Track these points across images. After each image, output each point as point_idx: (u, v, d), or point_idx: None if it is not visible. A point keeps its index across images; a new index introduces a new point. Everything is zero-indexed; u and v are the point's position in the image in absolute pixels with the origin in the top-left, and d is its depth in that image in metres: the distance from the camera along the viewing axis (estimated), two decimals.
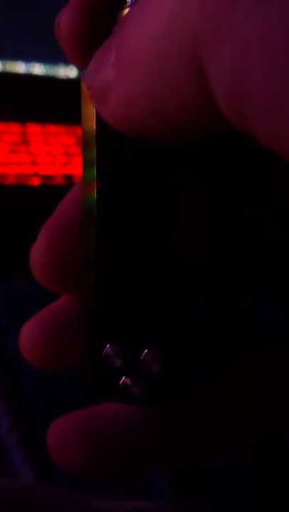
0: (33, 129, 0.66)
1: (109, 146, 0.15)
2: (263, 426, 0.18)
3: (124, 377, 0.16)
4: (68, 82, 0.71)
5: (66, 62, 0.73)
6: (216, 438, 0.18)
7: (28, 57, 0.69)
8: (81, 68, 0.15)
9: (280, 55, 0.09)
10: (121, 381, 0.16)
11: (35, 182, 0.59)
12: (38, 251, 0.17)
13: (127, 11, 0.14)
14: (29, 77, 0.69)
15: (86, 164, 0.16)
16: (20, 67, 0.69)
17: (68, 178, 0.61)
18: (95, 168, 0.15)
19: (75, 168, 0.62)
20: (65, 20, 0.15)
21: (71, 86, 0.70)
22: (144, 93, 0.12)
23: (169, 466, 0.21)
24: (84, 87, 0.15)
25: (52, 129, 0.66)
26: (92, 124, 0.15)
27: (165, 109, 0.12)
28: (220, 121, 0.11)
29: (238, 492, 0.30)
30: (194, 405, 0.17)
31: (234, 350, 0.18)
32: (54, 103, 0.67)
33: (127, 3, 0.14)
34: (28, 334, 0.17)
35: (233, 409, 0.17)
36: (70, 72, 0.71)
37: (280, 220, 0.17)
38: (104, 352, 0.16)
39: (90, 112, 0.15)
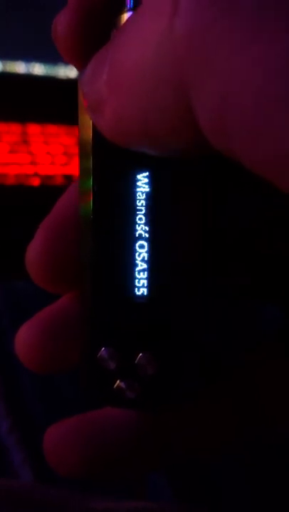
0: (33, 129, 0.66)
1: (105, 155, 0.15)
2: (261, 426, 0.18)
3: (118, 381, 0.16)
4: (68, 82, 0.70)
5: (66, 62, 0.73)
6: (214, 439, 0.18)
7: (28, 57, 0.69)
8: (78, 70, 0.15)
9: (261, 95, 0.09)
10: (116, 384, 0.16)
11: (35, 182, 0.59)
12: (34, 251, 0.17)
13: (125, 15, 0.14)
14: (29, 77, 0.69)
15: (83, 173, 0.16)
16: (20, 67, 0.69)
17: (68, 178, 0.61)
18: (92, 176, 0.15)
19: (75, 168, 0.62)
20: (62, 23, 0.15)
21: (71, 86, 0.69)
22: (134, 113, 0.12)
23: (168, 466, 0.21)
24: (81, 95, 0.15)
25: (52, 129, 0.66)
26: (88, 132, 0.15)
27: (154, 130, 0.12)
28: (206, 145, 0.11)
29: (238, 492, 0.30)
30: (191, 407, 0.17)
31: (233, 350, 0.18)
32: (54, 103, 0.67)
33: (126, 8, 0.14)
34: (24, 338, 0.17)
35: (231, 410, 0.17)
36: (70, 72, 0.71)
37: (277, 227, 0.17)
38: (99, 355, 0.16)
39: (86, 120, 0.15)
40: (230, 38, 0.10)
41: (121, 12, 0.14)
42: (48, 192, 0.58)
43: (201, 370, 0.16)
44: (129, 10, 0.14)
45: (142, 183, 0.15)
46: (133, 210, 0.15)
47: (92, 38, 0.15)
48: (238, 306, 0.19)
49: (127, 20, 0.13)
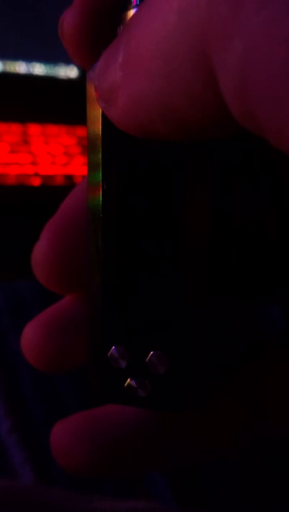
0: (34, 129, 0.66)
1: (115, 149, 0.15)
2: (269, 429, 0.18)
3: (129, 379, 0.16)
4: (69, 82, 0.70)
5: (67, 62, 0.73)
6: (222, 441, 0.17)
7: (29, 57, 0.69)
8: (85, 69, 0.15)
9: (285, 50, 0.09)
10: (126, 383, 0.16)
11: (36, 182, 0.59)
12: (40, 252, 0.17)
13: (132, 11, 0.14)
14: (30, 77, 0.69)
15: (91, 167, 0.16)
16: (20, 67, 0.69)
17: (69, 178, 0.61)
18: (101, 170, 0.15)
19: (76, 169, 0.62)
20: (68, 21, 0.15)
21: (72, 86, 0.70)
22: (152, 94, 0.12)
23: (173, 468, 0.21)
24: (89, 88, 0.15)
25: (52, 129, 0.66)
26: (97, 126, 0.15)
27: (174, 110, 0.11)
28: (229, 121, 0.11)
29: (237, 494, 0.30)
30: (200, 407, 0.17)
31: (235, 349, 0.18)
32: (55, 103, 0.67)
33: (132, 4, 0.14)
34: (30, 336, 0.17)
35: (240, 412, 0.17)
36: (70, 72, 0.71)
37: (283, 221, 0.17)
38: (109, 354, 0.16)
39: (95, 114, 0.15)
40: None
41: (127, 9, 0.14)
42: (49, 192, 0.58)
43: (212, 369, 0.16)
44: (135, 6, 0.14)
45: (153, 179, 0.15)
46: (143, 207, 0.15)
47: (99, 35, 0.15)
48: (242, 307, 0.19)
49: (143, 2, 0.13)
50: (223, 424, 0.17)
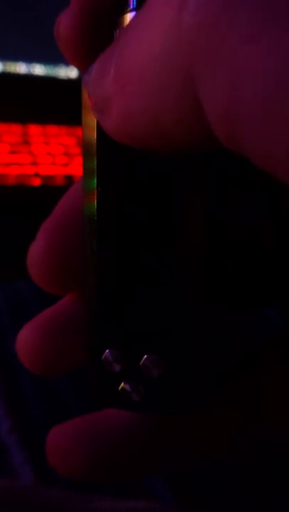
0: (34, 129, 0.66)
1: (110, 155, 0.15)
2: (265, 432, 0.18)
3: (123, 383, 0.16)
4: (69, 82, 0.71)
5: (67, 62, 0.73)
6: (218, 444, 0.17)
7: (29, 58, 0.69)
8: (81, 71, 0.15)
9: (270, 85, 0.09)
10: (120, 387, 0.16)
11: (36, 182, 0.59)
12: (36, 252, 0.17)
13: (128, 15, 0.14)
14: (30, 78, 0.69)
15: (87, 173, 0.16)
16: (21, 68, 0.69)
17: (69, 178, 0.61)
18: (96, 177, 0.15)
19: (76, 169, 0.62)
20: (64, 23, 0.15)
21: (72, 86, 0.70)
22: (142, 110, 0.12)
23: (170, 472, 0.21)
24: (85, 95, 0.15)
25: (52, 129, 0.66)
26: (92, 133, 0.15)
27: (162, 127, 0.12)
28: (214, 142, 0.11)
29: (237, 494, 0.30)
30: (197, 411, 0.17)
31: (232, 352, 0.18)
32: (55, 103, 0.67)
33: (129, 8, 0.14)
34: (25, 339, 0.17)
35: (236, 415, 0.17)
36: (70, 72, 0.71)
37: (280, 230, 0.17)
38: (103, 357, 0.16)
39: (90, 120, 0.15)
40: (240, 27, 0.10)
41: (124, 12, 0.14)
42: (49, 192, 0.58)
43: (207, 373, 0.16)
44: (132, 10, 0.14)
45: (147, 185, 0.15)
46: (138, 212, 0.15)
47: (95, 38, 0.15)
48: (239, 310, 0.19)
49: (134, 16, 0.13)
50: (219, 427, 0.17)
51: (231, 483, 0.30)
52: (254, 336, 0.19)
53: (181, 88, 0.11)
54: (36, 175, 0.60)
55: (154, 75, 0.11)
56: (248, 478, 0.30)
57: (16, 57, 0.68)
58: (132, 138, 0.13)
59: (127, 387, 0.16)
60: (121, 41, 0.12)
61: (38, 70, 0.70)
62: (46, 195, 0.58)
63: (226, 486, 0.30)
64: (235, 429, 0.17)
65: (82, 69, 0.15)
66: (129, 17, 0.14)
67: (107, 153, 0.15)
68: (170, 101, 0.11)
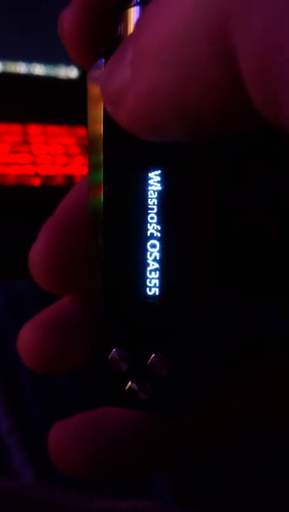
0: (34, 129, 0.66)
1: (116, 149, 0.15)
2: (266, 431, 0.18)
3: (130, 382, 0.16)
4: (69, 82, 0.70)
5: (67, 62, 0.73)
6: (225, 432, 0.17)
7: (29, 58, 0.69)
8: (85, 68, 0.15)
9: None
10: (127, 386, 0.16)
11: (36, 182, 0.59)
12: (37, 252, 0.16)
13: (132, 9, 0.14)
14: (30, 78, 0.69)
15: (93, 167, 0.15)
16: (20, 68, 0.69)
17: (69, 178, 0.61)
18: (102, 170, 0.15)
19: (76, 169, 0.62)
20: (68, 19, 0.15)
21: (72, 86, 0.70)
22: (164, 87, 0.11)
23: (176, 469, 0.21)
24: (90, 88, 0.15)
25: (52, 129, 0.66)
26: (99, 126, 0.15)
27: (188, 103, 0.11)
28: (248, 113, 0.10)
29: (237, 494, 0.30)
30: (202, 409, 0.17)
31: (235, 349, 0.18)
32: (55, 103, 0.67)
33: (133, 2, 0.14)
34: (26, 338, 0.17)
35: (238, 414, 0.17)
36: (70, 72, 0.71)
37: (285, 220, 0.17)
38: (110, 357, 0.16)
39: (97, 115, 0.15)
40: None
41: (127, 6, 0.14)
42: (49, 192, 0.58)
43: (213, 371, 0.16)
44: (135, 4, 0.14)
45: (154, 180, 0.15)
46: (145, 208, 0.15)
47: (99, 34, 0.15)
48: (242, 309, 0.19)
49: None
50: (226, 412, 0.17)
51: (231, 483, 0.30)
52: (259, 325, 0.19)
53: (213, 48, 0.10)
54: (36, 175, 0.60)
55: (181, 40, 0.10)
56: (248, 478, 0.30)
57: (16, 57, 0.68)
58: (151, 126, 0.12)
59: (135, 386, 0.16)
60: (139, 22, 0.12)
61: (38, 69, 0.69)
62: (46, 195, 0.58)
63: (226, 486, 0.30)
64: (245, 411, 0.17)
65: (87, 65, 0.15)
66: (132, 11, 0.14)
67: (114, 147, 0.15)
68: (199, 67, 0.10)
